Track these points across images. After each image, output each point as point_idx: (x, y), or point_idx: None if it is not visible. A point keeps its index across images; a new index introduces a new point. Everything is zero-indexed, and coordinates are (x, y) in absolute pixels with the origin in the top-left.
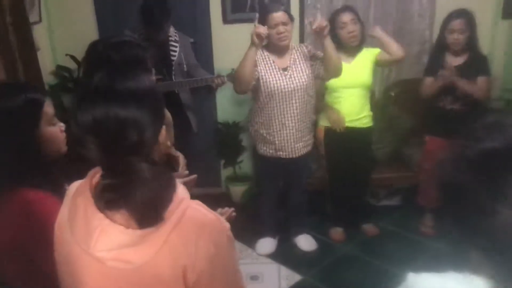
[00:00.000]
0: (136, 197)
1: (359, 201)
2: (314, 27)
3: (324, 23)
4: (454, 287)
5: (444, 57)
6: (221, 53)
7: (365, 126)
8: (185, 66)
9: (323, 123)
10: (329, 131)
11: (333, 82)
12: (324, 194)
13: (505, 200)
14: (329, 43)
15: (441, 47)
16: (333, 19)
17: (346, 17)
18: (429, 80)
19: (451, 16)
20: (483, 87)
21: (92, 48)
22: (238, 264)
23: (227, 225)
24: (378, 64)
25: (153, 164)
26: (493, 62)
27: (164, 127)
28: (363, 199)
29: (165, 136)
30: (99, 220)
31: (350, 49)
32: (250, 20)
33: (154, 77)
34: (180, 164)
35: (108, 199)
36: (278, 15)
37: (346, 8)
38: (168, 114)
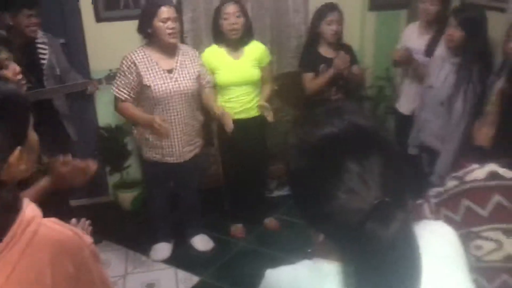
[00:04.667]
0: None
1: (259, 195)
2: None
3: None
4: (305, 275)
5: (318, 50)
6: (96, 54)
7: (255, 115)
8: (57, 70)
9: None
10: (221, 125)
11: (222, 80)
12: (220, 191)
13: (342, 185)
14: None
15: (314, 41)
16: (218, 10)
17: (230, 9)
18: (309, 75)
19: (327, 9)
20: (360, 74)
21: None
22: (108, 280)
23: (88, 240)
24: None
25: None
26: (364, 52)
27: (20, 148)
28: (263, 192)
29: (20, 158)
30: None
31: (234, 43)
32: (125, 18)
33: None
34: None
35: None
36: (169, 10)
37: (232, 0)
38: (33, 137)
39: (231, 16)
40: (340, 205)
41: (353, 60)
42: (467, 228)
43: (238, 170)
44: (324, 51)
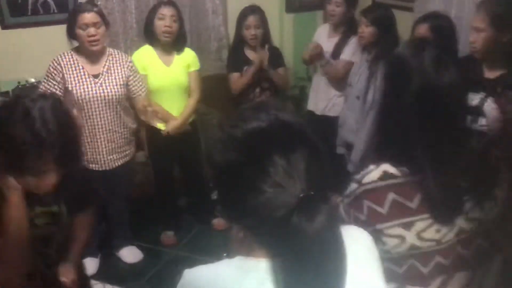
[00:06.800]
0: None
1: (202, 197)
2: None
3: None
4: (227, 272)
5: (244, 52)
6: (3, 63)
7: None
8: None
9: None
10: (151, 131)
11: (152, 84)
12: (147, 200)
13: (268, 179)
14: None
15: (239, 43)
16: (154, 9)
17: (167, 11)
18: (235, 75)
19: (246, 13)
20: (285, 76)
21: None
22: None
23: None
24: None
25: None
26: (284, 53)
27: None
28: (204, 194)
29: None
30: None
31: (166, 46)
32: (35, 24)
33: None
34: None
35: None
36: (89, 16)
37: (170, 3)
38: None
39: (167, 18)
40: (266, 199)
41: (280, 62)
42: (372, 226)
43: (170, 176)
44: (249, 53)
